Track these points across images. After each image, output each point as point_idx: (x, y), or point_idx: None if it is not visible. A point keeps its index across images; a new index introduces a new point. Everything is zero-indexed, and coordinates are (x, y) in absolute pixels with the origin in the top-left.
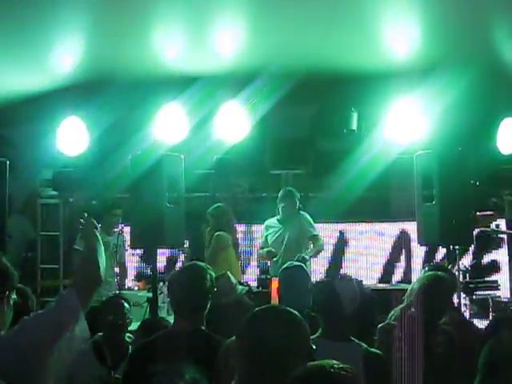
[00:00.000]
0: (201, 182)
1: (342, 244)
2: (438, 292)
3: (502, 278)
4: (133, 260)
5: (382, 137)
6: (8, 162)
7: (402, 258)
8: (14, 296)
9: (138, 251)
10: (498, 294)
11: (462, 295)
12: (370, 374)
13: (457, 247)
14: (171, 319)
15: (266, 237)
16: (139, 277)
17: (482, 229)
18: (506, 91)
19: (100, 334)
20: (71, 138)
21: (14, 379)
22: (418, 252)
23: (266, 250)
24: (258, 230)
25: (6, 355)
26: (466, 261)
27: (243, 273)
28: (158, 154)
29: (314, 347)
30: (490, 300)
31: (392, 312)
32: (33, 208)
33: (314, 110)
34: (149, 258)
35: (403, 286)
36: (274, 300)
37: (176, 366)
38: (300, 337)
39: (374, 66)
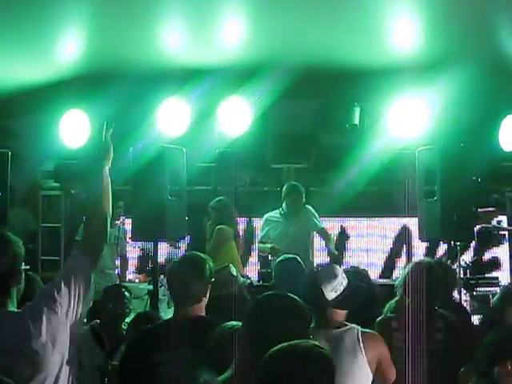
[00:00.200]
0: (202, 175)
1: (343, 239)
2: (427, 276)
3: (502, 274)
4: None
5: (385, 132)
6: (10, 153)
7: (403, 253)
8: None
9: (140, 243)
10: (498, 291)
11: (463, 291)
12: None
13: (458, 243)
14: (171, 312)
15: (268, 231)
16: (140, 269)
17: (483, 225)
18: (509, 88)
19: (97, 320)
20: (73, 130)
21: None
22: (420, 247)
23: (269, 245)
24: (260, 223)
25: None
26: (467, 257)
27: (244, 266)
28: (159, 146)
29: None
30: (491, 296)
31: (387, 305)
32: (34, 199)
33: (316, 104)
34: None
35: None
36: None
37: (181, 355)
38: (302, 321)
39: (377, 62)
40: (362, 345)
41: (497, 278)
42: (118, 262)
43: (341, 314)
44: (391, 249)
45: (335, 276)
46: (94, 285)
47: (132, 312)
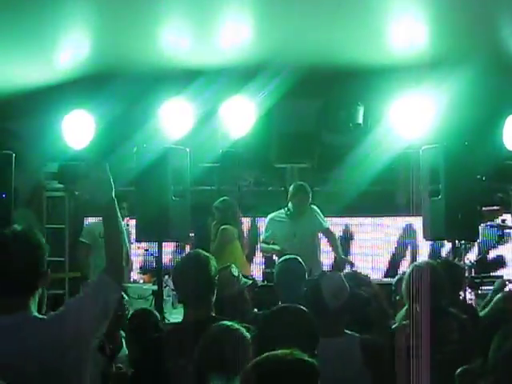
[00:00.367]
0: (206, 175)
1: (347, 238)
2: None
3: (507, 273)
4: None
5: (388, 131)
6: (14, 155)
7: (408, 252)
8: None
9: (144, 244)
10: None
11: (468, 290)
12: (370, 361)
13: (462, 242)
14: (176, 312)
15: (273, 231)
16: (144, 270)
17: (487, 224)
18: None
19: None
20: (77, 130)
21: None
22: (424, 246)
23: (277, 247)
24: (264, 223)
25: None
26: (472, 256)
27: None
28: (163, 147)
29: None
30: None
31: (398, 315)
32: (38, 201)
33: (319, 103)
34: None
35: None
36: None
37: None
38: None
39: (381, 61)
40: (362, 353)
41: (502, 277)
42: None
43: (341, 322)
44: (395, 248)
45: (338, 284)
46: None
47: None
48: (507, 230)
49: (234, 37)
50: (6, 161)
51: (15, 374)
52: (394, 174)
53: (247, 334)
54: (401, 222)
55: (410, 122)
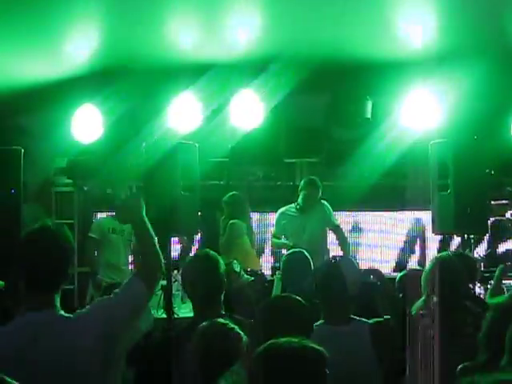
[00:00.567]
0: (215, 170)
1: (356, 232)
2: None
3: None
4: None
5: (397, 125)
6: (23, 150)
7: (417, 246)
8: None
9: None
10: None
11: (477, 284)
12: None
13: (471, 236)
14: (185, 307)
15: (283, 225)
16: None
17: (497, 218)
18: None
19: None
20: (86, 126)
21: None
22: (433, 241)
23: (284, 242)
24: (273, 218)
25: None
26: (481, 250)
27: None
28: (172, 142)
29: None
30: (505, 289)
31: (415, 305)
32: (47, 196)
33: (328, 98)
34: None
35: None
36: None
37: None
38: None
39: (389, 55)
40: (371, 339)
41: (511, 271)
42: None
43: (350, 309)
44: (404, 242)
45: (357, 269)
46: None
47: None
48: None
49: (243, 31)
50: (14, 156)
51: (41, 371)
52: (402, 168)
53: (241, 332)
54: (410, 216)
55: (419, 116)
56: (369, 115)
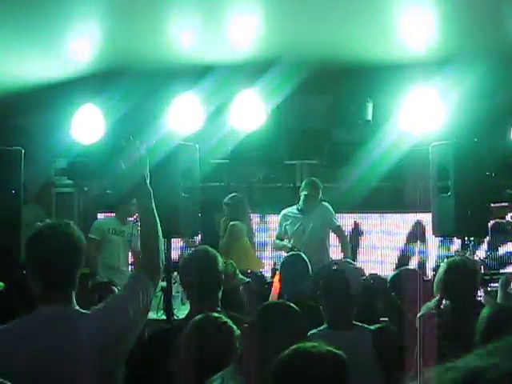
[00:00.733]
0: (215, 171)
1: (356, 235)
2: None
3: None
4: None
5: (398, 127)
6: (23, 151)
7: (417, 248)
8: None
9: None
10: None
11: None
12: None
13: (472, 239)
14: (185, 309)
15: (285, 226)
16: None
17: (497, 220)
18: None
19: None
20: (86, 127)
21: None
22: (433, 243)
23: (284, 244)
24: (273, 220)
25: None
26: (481, 252)
27: None
28: (172, 143)
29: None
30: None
31: (424, 306)
32: (47, 197)
33: (329, 100)
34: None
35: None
36: (274, 292)
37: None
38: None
39: (390, 56)
40: (373, 345)
41: (511, 274)
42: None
43: (352, 314)
44: (405, 245)
45: (358, 274)
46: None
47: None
48: None
49: (244, 33)
50: (15, 157)
51: (58, 365)
52: (403, 170)
53: (233, 327)
54: (410, 218)
55: (420, 118)
56: (369, 117)
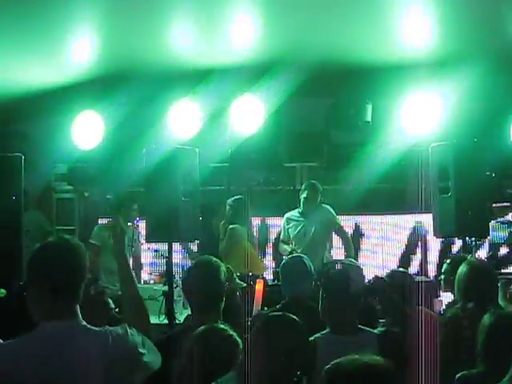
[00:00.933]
0: (215, 175)
1: (357, 236)
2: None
3: None
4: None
5: (397, 129)
6: (23, 157)
7: (418, 250)
8: None
9: (154, 245)
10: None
11: None
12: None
13: (473, 239)
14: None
15: (288, 230)
16: (154, 270)
17: (498, 220)
18: None
19: None
20: (86, 132)
21: None
22: (434, 244)
23: (285, 247)
24: (273, 223)
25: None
26: (482, 253)
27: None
28: (172, 147)
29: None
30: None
31: (449, 311)
32: (48, 203)
33: (328, 102)
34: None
35: (419, 278)
36: (257, 301)
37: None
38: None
39: (389, 58)
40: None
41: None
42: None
43: (356, 315)
44: (406, 246)
45: (361, 275)
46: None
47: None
48: None
49: (243, 36)
50: (15, 163)
51: (66, 380)
52: (403, 171)
53: (238, 339)
54: (410, 219)
55: (419, 119)
56: (369, 119)
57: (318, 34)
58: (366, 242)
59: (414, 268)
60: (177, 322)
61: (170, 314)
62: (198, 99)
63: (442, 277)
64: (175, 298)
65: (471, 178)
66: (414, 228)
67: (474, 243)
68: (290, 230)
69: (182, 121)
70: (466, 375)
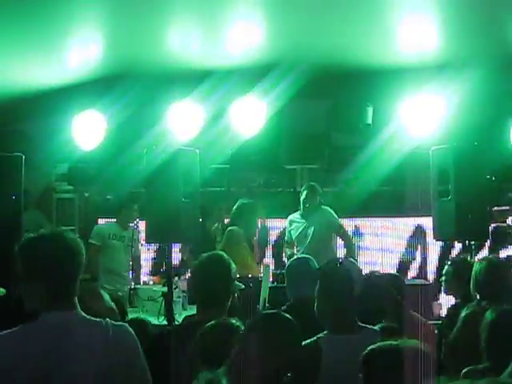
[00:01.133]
0: (216, 176)
1: (357, 239)
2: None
3: None
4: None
5: (398, 132)
6: (24, 157)
7: (418, 253)
8: None
9: (154, 245)
10: None
11: None
12: None
13: (472, 242)
14: (186, 314)
15: (290, 231)
16: (154, 271)
17: (498, 224)
18: None
19: None
20: (87, 132)
21: None
22: (434, 247)
23: (286, 251)
24: (273, 225)
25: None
26: (482, 256)
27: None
28: (173, 148)
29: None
30: None
31: (464, 310)
32: (48, 202)
33: (329, 104)
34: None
35: (419, 281)
36: None
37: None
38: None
39: (390, 61)
40: None
41: None
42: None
43: (355, 316)
44: (405, 248)
45: (359, 272)
46: None
47: (146, 314)
48: None
49: (244, 38)
50: (15, 162)
51: (65, 369)
52: (403, 174)
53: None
54: (411, 222)
55: (420, 122)
56: (369, 121)
57: (320, 36)
58: (365, 244)
59: (413, 271)
60: (176, 323)
61: (170, 315)
62: (199, 100)
63: (444, 278)
64: (174, 299)
65: (471, 182)
66: (414, 231)
67: (473, 246)
68: (292, 231)
69: (182, 122)
70: (472, 370)
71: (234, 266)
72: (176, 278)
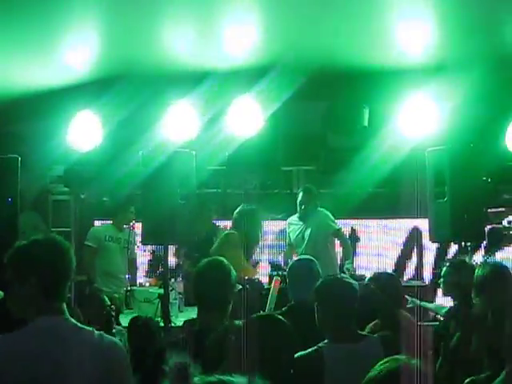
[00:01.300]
0: (212, 178)
1: (353, 240)
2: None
3: None
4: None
5: (394, 133)
6: (19, 159)
7: (414, 254)
8: None
9: (150, 247)
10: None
11: None
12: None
13: (468, 244)
14: (183, 316)
15: (289, 234)
16: (150, 273)
17: (493, 225)
18: None
19: None
20: (83, 134)
21: None
22: (430, 249)
23: (288, 254)
24: (269, 226)
25: None
26: (478, 257)
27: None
28: (169, 150)
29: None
30: None
31: (471, 310)
32: (44, 204)
33: (325, 106)
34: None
35: (415, 283)
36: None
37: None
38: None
39: (387, 62)
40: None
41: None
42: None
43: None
44: (402, 250)
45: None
46: None
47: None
48: None
49: (241, 39)
50: (11, 164)
51: (56, 376)
52: (399, 176)
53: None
54: (406, 224)
55: (416, 124)
56: (366, 123)
57: (316, 37)
58: (361, 246)
59: (409, 272)
60: (172, 325)
61: (166, 316)
62: (195, 102)
63: (442, 280)
64: (171, 300)
65: (467, 183)
66: (410, 233)
67: (469, 248)
68: (291, 233)
69: (179, 123)
70: (475, 380)
71: (234, 271)
72: (172, 280)
